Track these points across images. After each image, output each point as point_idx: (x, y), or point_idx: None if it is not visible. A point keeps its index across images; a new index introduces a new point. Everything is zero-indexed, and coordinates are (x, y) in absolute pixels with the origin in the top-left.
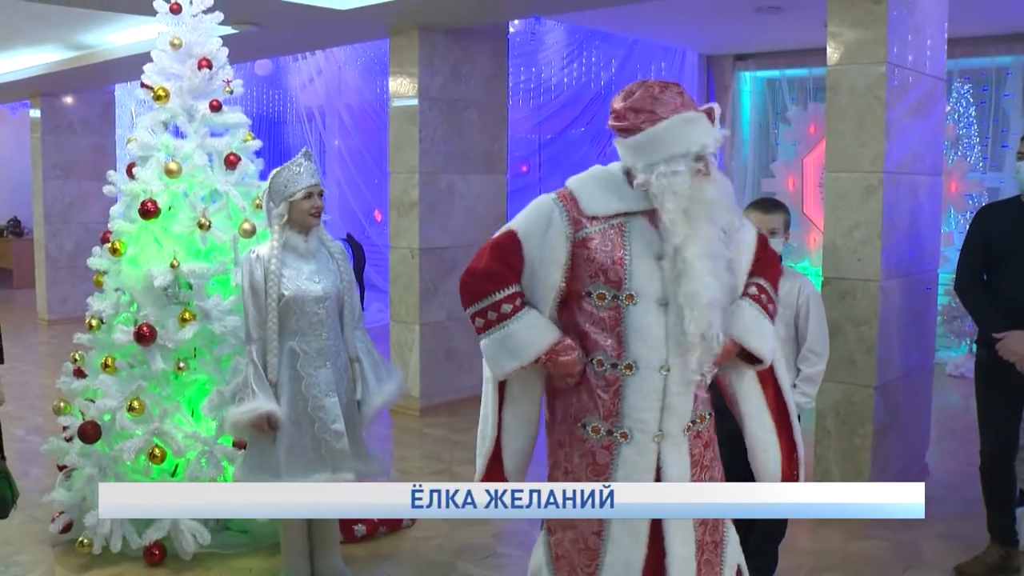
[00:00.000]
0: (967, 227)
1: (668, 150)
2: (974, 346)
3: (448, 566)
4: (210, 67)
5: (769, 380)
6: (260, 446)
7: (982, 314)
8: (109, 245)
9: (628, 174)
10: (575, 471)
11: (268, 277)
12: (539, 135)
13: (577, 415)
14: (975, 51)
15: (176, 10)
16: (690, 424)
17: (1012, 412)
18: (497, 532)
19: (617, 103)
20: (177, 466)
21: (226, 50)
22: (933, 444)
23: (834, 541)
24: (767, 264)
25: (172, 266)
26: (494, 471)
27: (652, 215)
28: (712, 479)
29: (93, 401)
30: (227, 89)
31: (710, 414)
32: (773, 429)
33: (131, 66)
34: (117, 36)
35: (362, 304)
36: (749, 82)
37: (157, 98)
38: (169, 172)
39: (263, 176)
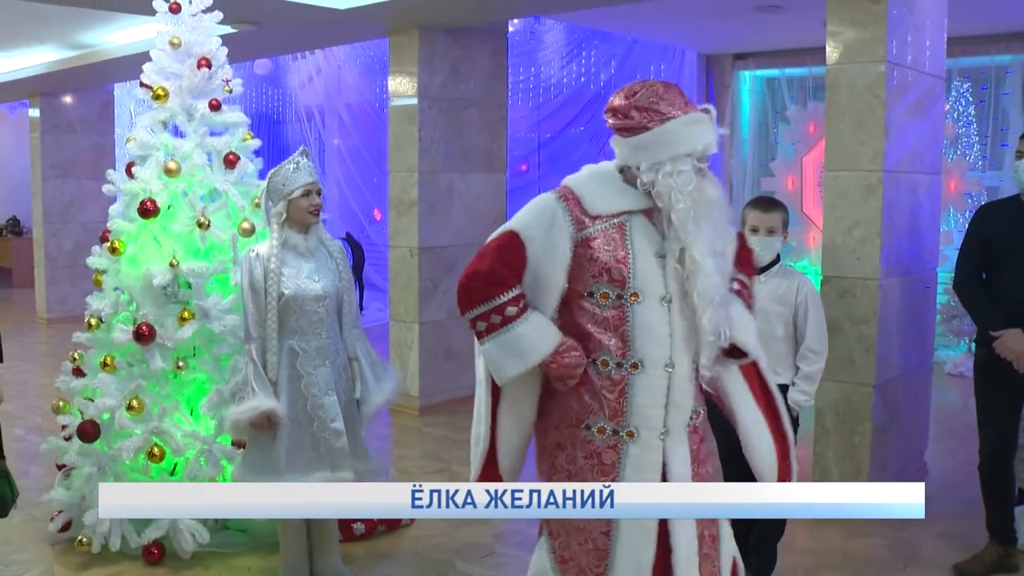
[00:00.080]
0: (966, 226)
1: (674, 150)
2: (973, 345)
3: (447, 565)
4: (209, 66)
5: (753, 373)
6: (260, 445)
7: (981, 313)
8: (108, 244)
9: (622, 172)
10: (580, 473)
11: (268, 276)
12: (538, 134)
13: (579, 417)
14: (974, 50)
15: (175, 9)
16: (688, 420)
17: (1011, 411)
18: (496, 531)
19: (619, 101)
20: (176, 465)
21: (225, 49)
22: (932, 443)
23: (833, 540)
24: (744, 261)
25: (171, 265)
26: (490, 472)
27: (650, 213)
28: (708, 473)
29: (92, 400)
30: (226, 88)
31: (703, 409)
32: (764, 421)
33: (130, 65)
34: (116, 35)
35: (361, 303)
36: (748, 81)
37: (156, 97)
38: (168, 171)
39: (262, 175)
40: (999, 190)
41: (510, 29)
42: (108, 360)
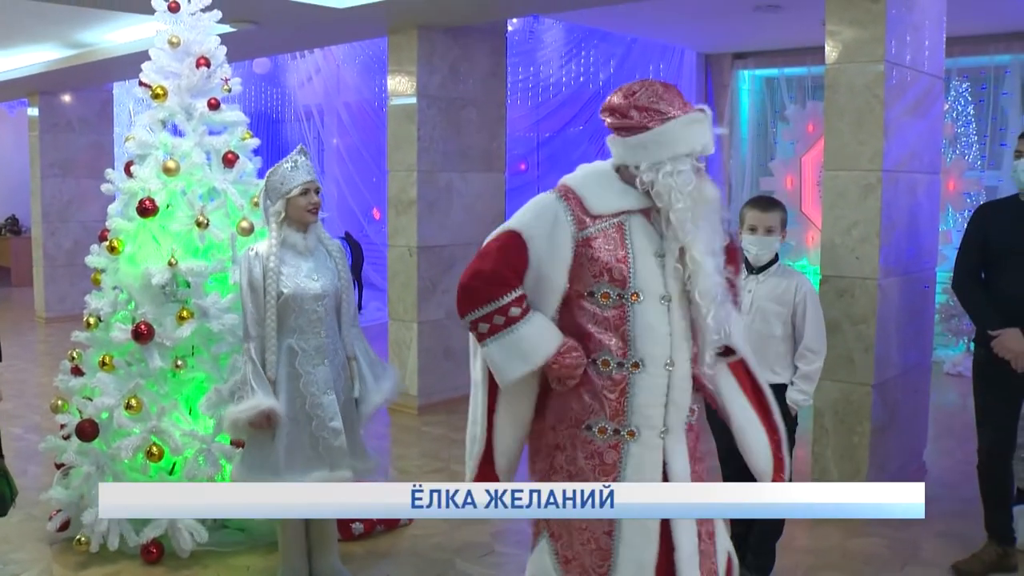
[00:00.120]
0: (965, 225)
1: (675, 149)
2: (972, 344)
3: (446, 564)
4: (208, 65)
5: (741, 370)
6: (259, 445)
7: (979, 312)
8: (107, 243)
9: (618, 171)
10: (580, 473)
11: (267, 274)
12: (537, 133)
13: (579, 417)
14: (973, 49)
15: (174, 8)
16: (685, 417)
17: (1010, 411)
18: (495, 531)
19: (618, 101)
20: (175, 464)
21: (224, 48)
22: (931, 442)
23: (833, 539)
24: (730, 257)
25: (170, 264)
26: (486, 473)
27: (647, 213)
28: (705, 470)
29: (91, 399)
30: (225, 87)
31: (697, 406)
32: (757, 419)
33: (129, 64)
34: (115, 34)
35: (360, 302)
36: (747, 81)
37: (155, 96)
38: (167, 170)
39: (261, 174)
40: (998, 190)
41: (509, 28)
42: (107, 359)
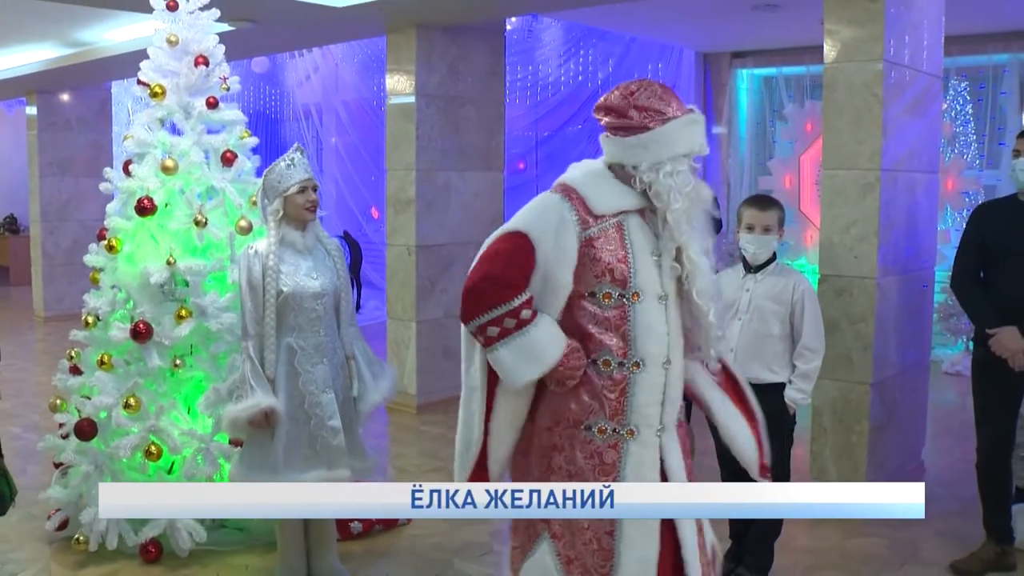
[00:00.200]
0: (964, 225)
1: (674, 150)
2: (970, 344)
3: (445, 564)
4: (207, 64)
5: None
6: (258, 444)
7: (977, 311)
8: (105, 242)
9: (611, 170)
10: (580, 473)
11: (266, 273)
12: (536, 132)
13: (578, 418)
14: (972, 49)
15: (173, 7)
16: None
17: (1008, 410)
18: (494, 530)
19: (616, 100)
20: (173, 463)
21: (223, 47)
22: (929, 441)
23: (831, 538)
24: None
25: (168, 263)
26: (479, 477)
27: (643, 213)
28: (696, 465)
29: (89, 398)
30: (224, 86)
31: (683, 403)
32: (739, 413)
33: (128, 63)
34: (114, 33)
35: (359, 301)
36: (746, 80)
37: (154, 95)
38: (165, 169)
39: (260, 173)
40: (996, 189)
41: (508, 27)
42: (105, 358)
